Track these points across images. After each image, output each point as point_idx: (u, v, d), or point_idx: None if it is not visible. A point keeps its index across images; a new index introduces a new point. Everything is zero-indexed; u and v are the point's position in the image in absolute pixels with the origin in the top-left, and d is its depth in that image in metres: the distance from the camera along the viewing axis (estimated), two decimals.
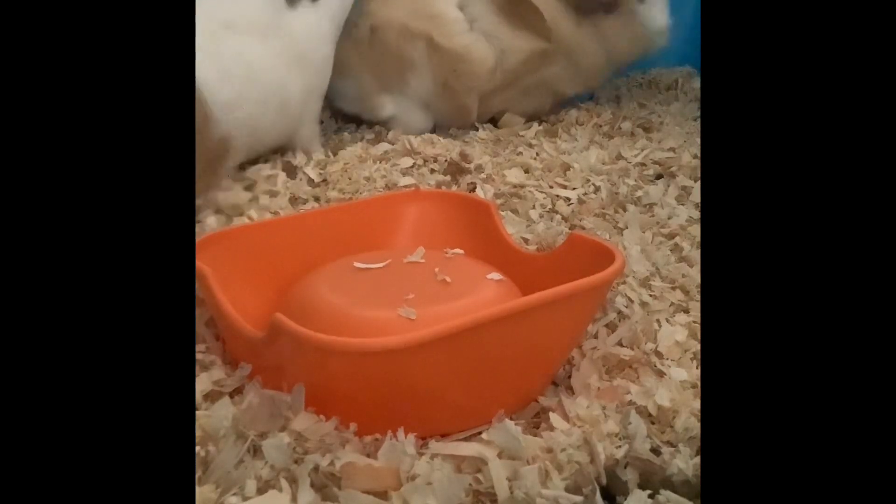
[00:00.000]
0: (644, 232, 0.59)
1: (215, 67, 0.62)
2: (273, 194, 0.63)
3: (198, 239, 0.43)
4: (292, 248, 0.48)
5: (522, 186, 0.66)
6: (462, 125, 0.85)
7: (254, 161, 0.75)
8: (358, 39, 0.78)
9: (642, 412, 0.37)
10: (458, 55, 0.77)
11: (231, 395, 0.36)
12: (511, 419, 0.35)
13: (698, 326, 0.45)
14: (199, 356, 0.39)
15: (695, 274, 0.51)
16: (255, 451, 0.32)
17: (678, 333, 0.44)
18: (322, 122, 0.88)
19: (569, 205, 0.64)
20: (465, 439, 0.35)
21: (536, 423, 0.38)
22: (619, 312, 0.46)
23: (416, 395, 0.34)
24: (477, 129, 0.84)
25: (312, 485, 0.31)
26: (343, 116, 0.88)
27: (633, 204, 0.64)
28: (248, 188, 0.65)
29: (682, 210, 0.63)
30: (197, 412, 0.33)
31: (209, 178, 0.62)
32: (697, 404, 0.37)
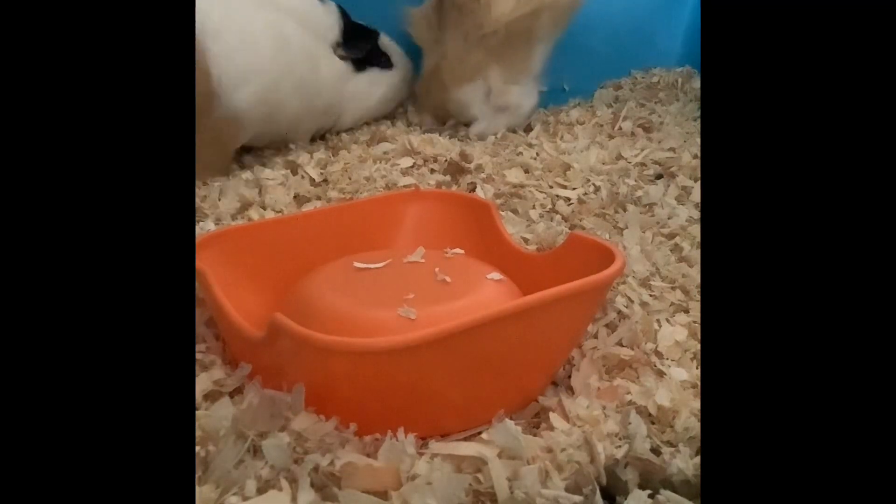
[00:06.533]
0: (644, 232, 0.59)
1: (237, 38, 0.64)
2: (276, 193, 0.63)
3: (198, 239, 0.43)
4: (292, 248, 0.48)
5: (522, 186, 0.66)
6: None
7: (257, 151, 0.75)
8: (491, 48, 0.81)
9: (642, 412, 0.37)
10: None
11: (231, 395, 0.36)
12: (511, 419, 0.35)
13: (698, 326, 0.45)
14: (199, 356, 0.39)
15: (695, 274, 0.51)
16: (255, 451, 0.32)
17: (678, 333, 0.44)
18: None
19: (569, 205, 0.64)
20: (465, 439, 0.35)
21: (536, 423, 0.38)
22: (619, 312, 0.46)
23: (416, 395, 0.34)
24: None
25: (312, 485, 0.31)
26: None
27: (633, 204, 0.64)
28: (253, 185, 0.65)
29: (682, 210, 0.63)
30: (197, 412, 0.33)
31: (216, 160, 0.63)
32: (697, 404, 0.37)
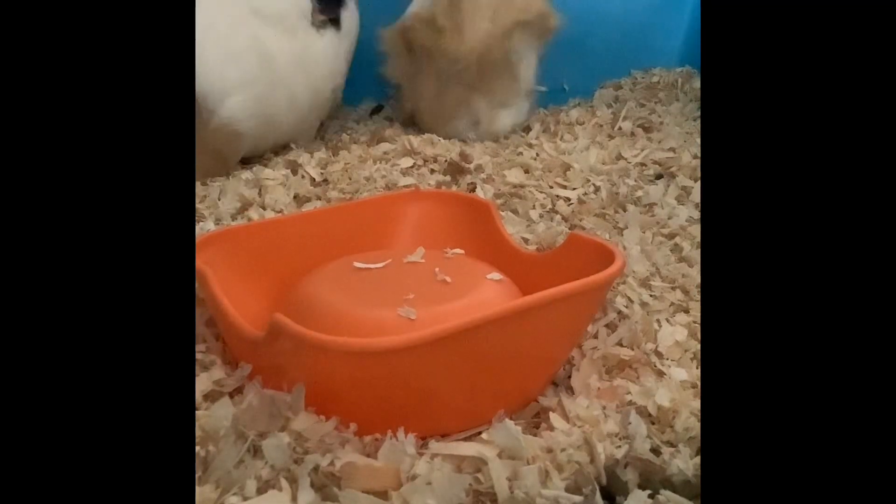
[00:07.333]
0: (644, 232, 0.59)
1: (222, 50, 0.63)
2: (276, 193, 0.63)
3: (198, 239, 0.43)
4: (292, 248, 0.48)
5: (522, 186, 0.66)
6: None
7: (259, 157, 0.75)
8: (469, 82, 0.81)
9: (642, 412, 0.37)
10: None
11: (231, 395, 0.36)
12: (511, 419, 0.35)
13: (698, 326, 0.45)
14: (199, 356, 0.39)
15: (695, 274, 0.51)
16: (255, 451, 0.32)
17: (678, 333, 0.44)
18: (322, 123, 0.88)
19: (569, 205, 0.64)
20: (465, 439, 0.35)
21: (536, 423, 0.38)
22: (619, 312, 0.46)
23: (416, 395, 0.34)
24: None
25: (312, 485, 0.31)
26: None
27: (633, 204, 0.64)
28: (253, 185, 0.65)
29: (682, 210, 0.63)
30: (197, 412, 0.33)
31: (216, 169, 0.63)
32: (697, 404, 0.37)
